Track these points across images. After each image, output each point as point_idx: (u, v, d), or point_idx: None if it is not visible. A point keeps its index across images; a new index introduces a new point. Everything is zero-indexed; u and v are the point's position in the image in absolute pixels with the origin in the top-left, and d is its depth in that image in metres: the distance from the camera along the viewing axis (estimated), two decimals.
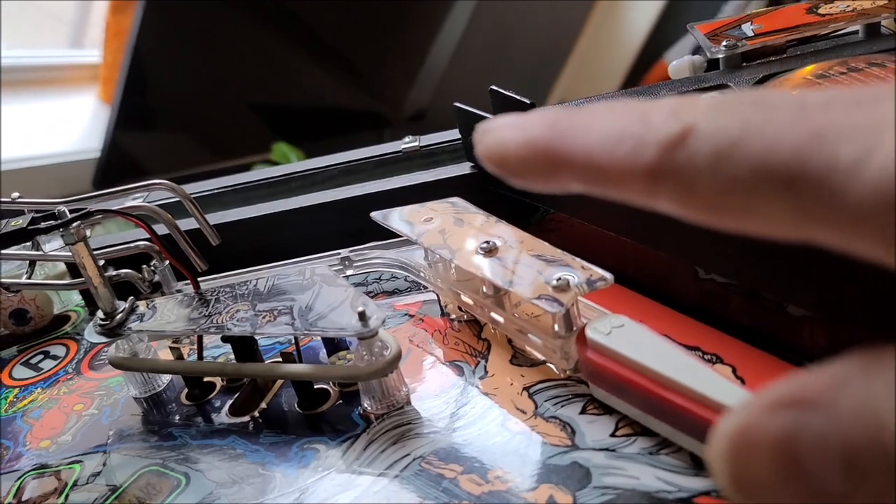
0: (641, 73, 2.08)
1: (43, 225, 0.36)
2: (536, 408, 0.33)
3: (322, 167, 0.54)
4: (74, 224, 0.36)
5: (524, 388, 0.35)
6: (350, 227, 0.45)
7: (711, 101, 0.17)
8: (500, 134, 0.21)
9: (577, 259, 0.34)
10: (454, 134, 0.52)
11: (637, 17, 2.13)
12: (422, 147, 0.53)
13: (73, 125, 1.64)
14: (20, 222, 0.36)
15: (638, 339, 0.31)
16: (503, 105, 0.42)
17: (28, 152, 1.48)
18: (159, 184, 0.39)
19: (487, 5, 1.92)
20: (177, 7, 1.53)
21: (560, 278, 0.33)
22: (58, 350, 0.46)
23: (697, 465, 0.29)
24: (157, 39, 1.53)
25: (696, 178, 0.16)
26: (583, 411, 0.33)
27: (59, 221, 0.35)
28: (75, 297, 0.51)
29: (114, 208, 0.37)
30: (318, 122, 1.86)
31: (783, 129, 0.15)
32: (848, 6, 0.43)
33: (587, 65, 2.17)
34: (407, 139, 0.53)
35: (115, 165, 1.59)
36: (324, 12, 1.75)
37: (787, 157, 0.15)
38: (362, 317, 0.33)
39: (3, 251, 0.38)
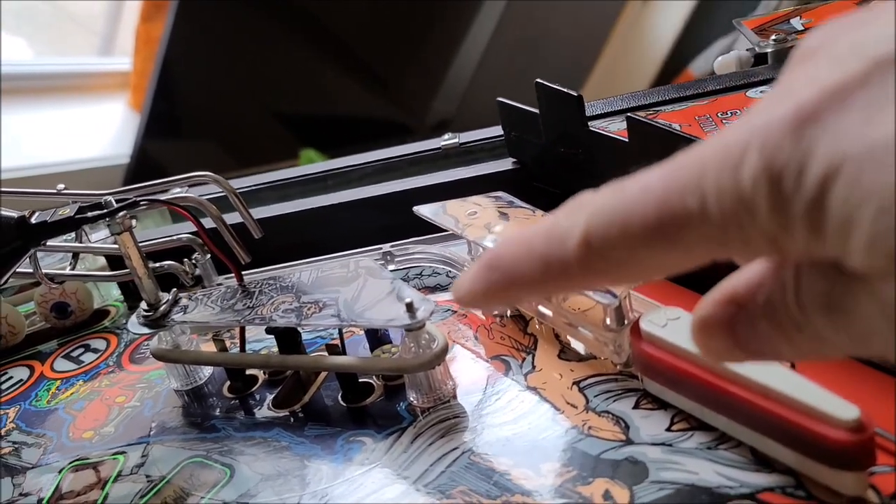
0: (666, 84, 2.07)
1: (90, 214, 0.35)
2: (588, 402, 0.33)
3: (359, 164, 0.54)
4: (121, 213, 0.36)
5: (574, 383, 0.34)
6: (391, 222, 0.45)
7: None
8: (463, 286, 0.23)
9: None
10: (494, 131, 0.52)
11: (660, 31, 2.12)
12: (461, 144, 0.52)
13: (103, 132, 1.65)
14: (67, 211, 0.36)
15: None
16: (548, 98, 0.41)
17: (59, 158, 1.50)
18: (204, 175, 0.39)
19: (512, 15, 1.92)
20: (206, 16, 1.54)
21: None
22: (98, 343, 0.46)
23: (759, 461, 0.28)
24: (187, 48, 1.54)
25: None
26: (636, 406, 0.32)
27: (106, 210, 0.35)
28: (115, 292, 0.51)
29: (161, 198, 0.36)
30: (342, 130, 1.86)
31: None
32: None
33: (611, 75, 2.16)
34: (447, 136, 0.53)
35: (144, 172, 1.60)
36: (350, 22, 1.76)
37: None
38: (410, 308, 0.33)
39: (49, 242, 0.38)
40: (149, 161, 1.60)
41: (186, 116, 1.68)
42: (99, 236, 0.46)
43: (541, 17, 2.01)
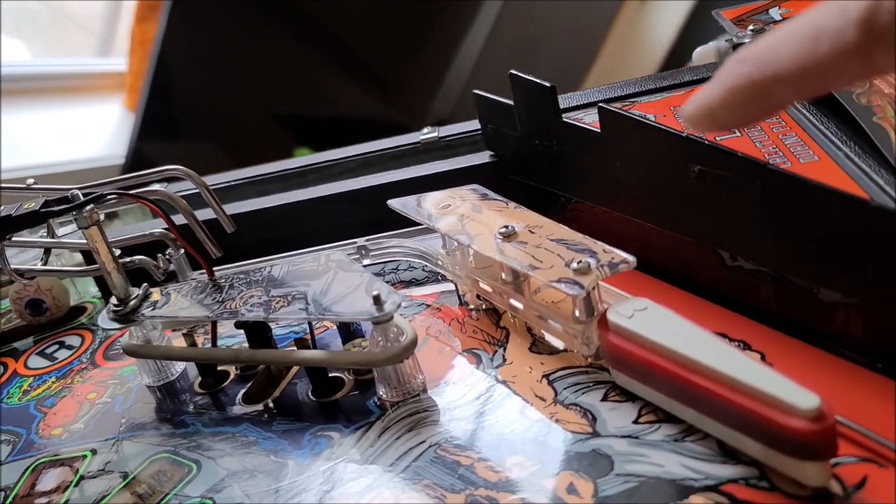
0: None
1: (56, 208, 0.35)
2: (556, 395, 0.32)
3: (339, 159, 0.54)
4: (88, 207, 0.35)
5: (544, 376, 0.34)
6: (368, 217, 0.44)
7: None
8: (698, 97, 0.22)
9: (599, 243, 0.33)
10: (473, 125, 0.51)
11: (658, 30, 2.12)
12: (441, 138, 0.52)
13: (99, 132, 1.65)
14: (33, 205, 0.35)
15: (662, 322, 0.30)
16: (523, 89, 0.41)
17: (56, 158, 1.50)
18: (175, 169, 0.38)
19: (511, 15, 1.92)
20: (201, 15, 1.54)
21: (581, 261, 0.32)
22: (73, 340, 0.46)
23: (725, 452, 0.27)
24: (181, 48, 1.54)
25: None
26: (604, 398, 0.32)
27: (72, 204, 0.35)
28: (92, 289, 0.51)
29: (129, 192, 0.36)
30: (339, 131, 1.86)
31: None
32: None
33: (610, 74, 2.15)
34: (426, 130, 0.52)
35: None
36: (348, 23, 1.75)
37: None
38: (377, 300, 0.33)
39: (15, 237, 0.37)
40: (144, 161, 1.59)
41: (183, 117, 1.68)
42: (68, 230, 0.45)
43: (539, 16, 2.00)
